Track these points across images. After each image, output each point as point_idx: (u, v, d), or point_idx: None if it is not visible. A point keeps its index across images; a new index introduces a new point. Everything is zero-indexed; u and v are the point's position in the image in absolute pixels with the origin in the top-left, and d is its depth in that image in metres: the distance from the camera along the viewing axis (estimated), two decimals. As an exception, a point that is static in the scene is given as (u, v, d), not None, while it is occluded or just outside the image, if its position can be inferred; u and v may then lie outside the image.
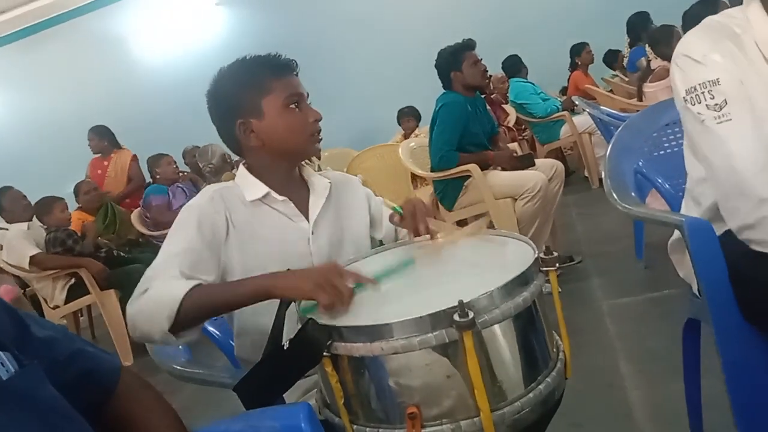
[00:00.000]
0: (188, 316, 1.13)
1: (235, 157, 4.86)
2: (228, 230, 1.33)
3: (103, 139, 5.91)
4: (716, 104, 1.25)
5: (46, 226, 4.35)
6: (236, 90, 1.39)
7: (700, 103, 1.27)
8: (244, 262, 1.32)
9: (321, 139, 1.44)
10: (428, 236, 1.31)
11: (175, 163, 5.32)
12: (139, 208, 5.27)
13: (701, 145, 1.31)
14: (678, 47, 1.34)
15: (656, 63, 4.48)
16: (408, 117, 6.76)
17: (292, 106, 1.38)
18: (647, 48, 4.62)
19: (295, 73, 1.42)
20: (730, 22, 1.30)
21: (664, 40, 4.26)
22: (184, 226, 1.30)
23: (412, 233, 1.33)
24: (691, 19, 3.76)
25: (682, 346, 1.62)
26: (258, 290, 1.13)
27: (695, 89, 1.28)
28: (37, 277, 4.14)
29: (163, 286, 1.16)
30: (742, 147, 1.22)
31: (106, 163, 5.94)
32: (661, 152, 1.86)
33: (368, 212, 1.56)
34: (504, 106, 6.62)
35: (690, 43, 1.32)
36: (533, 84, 6.32)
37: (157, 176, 5.20)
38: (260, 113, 1.37)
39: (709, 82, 1.26)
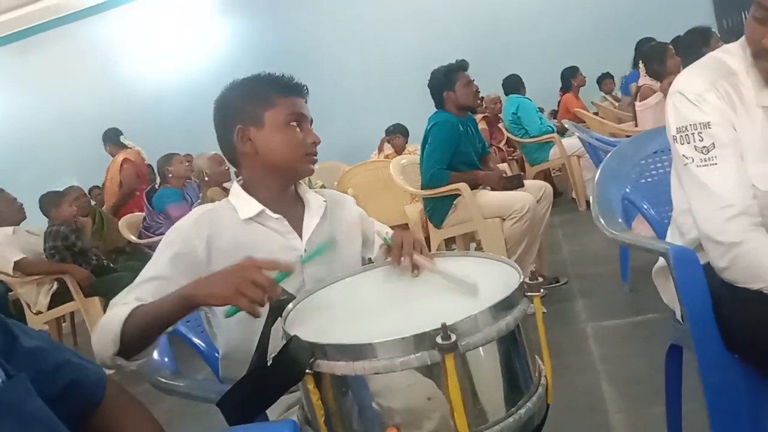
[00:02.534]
0: (132, 338, 1.17)
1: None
2: (209, 253, 1.33)
3: (105, 144, 5.90)
4: (704, 147, 1.27)
5: (51, 221, 4.31)
6: (242, 99, 1.43)
7: (689, 143, 1.29)
8: None
9: (316, 161, 1.46)
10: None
11: (187, 161, 5.28)
12: (129, 215, 5.22)
13: (684, 184, 1.34)
14: (675, 83, 1.36)
15: (644, 80, 4.50)
16: (396, 134, 6.78)
17: (293, 124, 1.41)
18: (641, 65, 4.65)
19: (303, 97, 1.46)
20: (729, 60, 1.32)
21: (656, 58, 4.27)
22: (163, 251, 1.33)
23: (397, 264, 1.31)
24: (683, 47, 3.81)
25: (664, 371, 1.63)
26: (181, 302, 1.14)
27: (686, 129, 1.30)
28: (20, 282, 4.11)
29: (111, 313, 1.20)
30: (722, 192, 1.25)
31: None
32: (649, 179, 1.88)
33: (361, 233, 1.57)
34: (499, 125, 6.67)
35: (686, 82, 1.34)
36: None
37: (170, 175, 5.09)
38: (261, 123, 1.40)
39: (700, 124, 1.28)
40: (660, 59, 4.20)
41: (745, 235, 1.23)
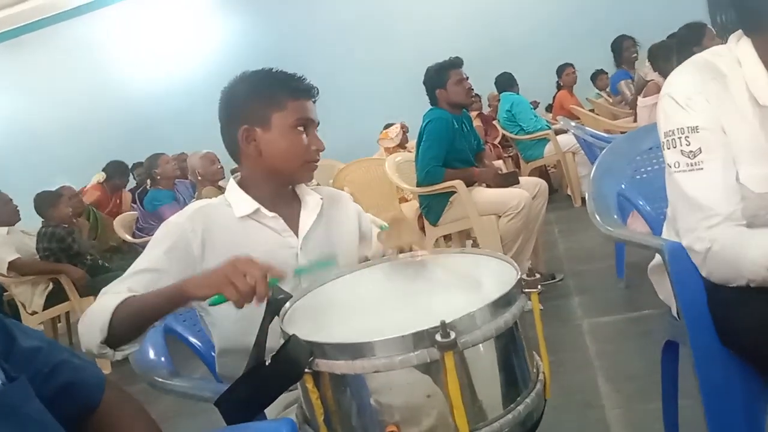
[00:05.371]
0: (121, 328, 1.16)
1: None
2: (204, 249, 1.33)
3: (124, 179, 6.14)
4: (691, 151, 1.27)
5: (46, 222, 4.30)
6: (251, 96, 1.41)
7: (675, 147, 1.29)
8: None
9: (316, 167, 1.46)
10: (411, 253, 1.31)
11: (174, 161, 5.26)
12: (124, 214, 5.22)
13: (669, 187, 1.34)
14: (665, 85, 1.35)
15: (652, 75, 4.51)
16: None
17: (300, 128, 1.40)
18: (647, 62, 4.67)
19: (313, 99, 1.44)
20: (717, 61, 1.31)
21: (662, 56, 4.26)
22: (156, 244, 1.32)
23: (395, 250, 1.32)
24: (677, 44, 3.81)
25: (660, 367, 1.63)
26: (174, 295, 1.14)
27: (673, 133, 1.29)
28: (15, 282, 4.09)
29: (102, 301, 1.20)
30: (706, 202, 1.25)
31: (118, 201, 6.05)
32: (644, 175, 1.88)
33: (358, 229, 1.57)
34: (494, 123, 6.67)
35: (676, 84, 1.33)
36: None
37: (158, 176, 5.09)
38: (267, 125, 1.39)
39: (688, 128, 1.27)
40: (665, 57, 4.19)
41: (716, 236, 1.23)
